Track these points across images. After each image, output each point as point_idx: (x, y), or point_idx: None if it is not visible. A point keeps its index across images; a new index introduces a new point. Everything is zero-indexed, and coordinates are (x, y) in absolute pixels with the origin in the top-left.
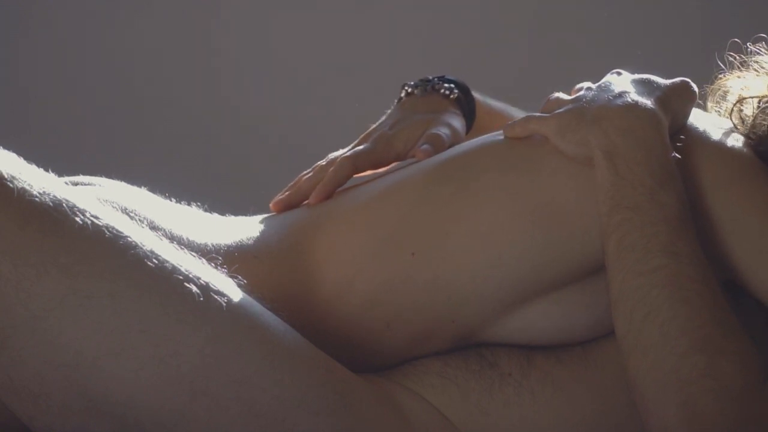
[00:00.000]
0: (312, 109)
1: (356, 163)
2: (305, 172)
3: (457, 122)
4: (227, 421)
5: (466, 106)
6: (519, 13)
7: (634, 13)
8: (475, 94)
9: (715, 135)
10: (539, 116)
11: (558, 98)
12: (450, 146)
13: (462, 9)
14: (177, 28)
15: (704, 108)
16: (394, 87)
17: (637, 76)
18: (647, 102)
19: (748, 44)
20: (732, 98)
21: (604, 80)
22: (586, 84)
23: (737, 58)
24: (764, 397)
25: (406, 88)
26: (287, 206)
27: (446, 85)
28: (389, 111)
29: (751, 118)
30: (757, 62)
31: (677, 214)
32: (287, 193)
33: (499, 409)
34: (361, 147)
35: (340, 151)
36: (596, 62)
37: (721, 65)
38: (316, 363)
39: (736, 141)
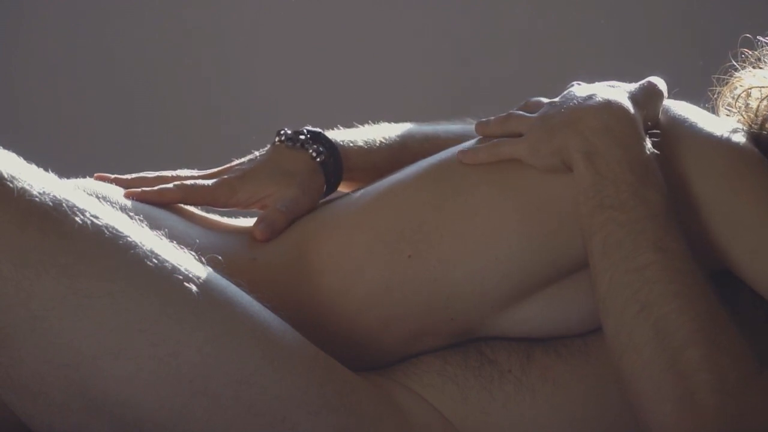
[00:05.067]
0: (314, 110)
1: (187, 196)
2: (150, 172)
3: (307, 189)
4: (227, 420)
5: (332, 168)
6: (517, 16)
7: (631, 17)
8: (408, 125)
9: (712, 128)
10: (509, 141)
11: (520, 116)
12: (291, 218)
13: (460, 11)
14: (179, 27)
15: (714, 110)
16: (392, 87)
17: (599, 82)
18: (619, 99)
19: (758, 38)
20: (740, 91)
21: (566, 91)
22: (543, 99)
23: (751, 54)
24: (759, 389)
25: (281, 135)
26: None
27: (314, 146)
28: (258, 152)
29: (755, 109)
30: None
31: (661, 210)
32: (119, 177)
33: (499, 408)
34: (202, 182)
35: (192, 172)
36: (593, 65)
37: (735, 64)
38: (315, 362)
39: (736, 133)
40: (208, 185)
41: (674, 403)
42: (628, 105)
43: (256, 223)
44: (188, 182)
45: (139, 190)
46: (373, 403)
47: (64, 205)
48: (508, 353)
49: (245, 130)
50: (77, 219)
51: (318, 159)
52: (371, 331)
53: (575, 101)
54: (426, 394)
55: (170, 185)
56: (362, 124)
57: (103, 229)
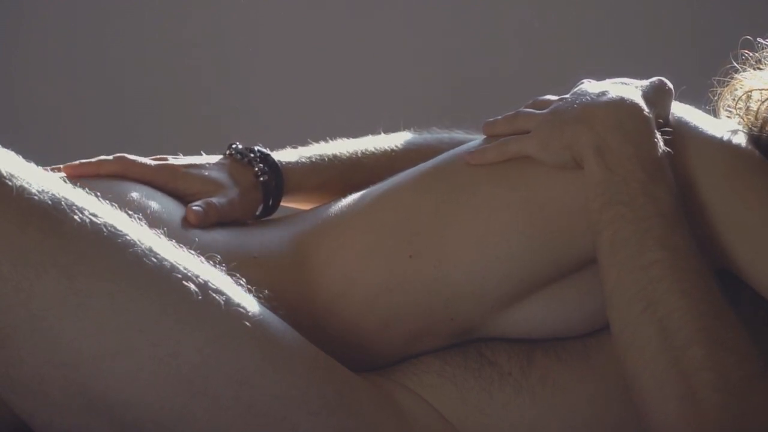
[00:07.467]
0: (314, 109)
1: (126, 170)
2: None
3: (244, 201)
4: (227, 421)
5: (273, 190)
6: (518, 15)
7: (631, 17)
8: (368, 139)
9: (713, 130)
10: (518, 138)
11: (529, 113)
12: (222, 218)
13: (460, 10)
14: (179, 27)
15: (714, 111)
16: (392, 87)
17: (610, 79)
18: (633, 97)
19: (758, 39)
20: (740, 93)
21: (577, 88)
22: (551, 97)
23: (751, 56)
24: (763, 389)
25: (232, 148)
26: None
27: (261, 165)
28: (213, 156)
29: (756, 111)
30: None
31: (670, 208)
32: (57, 166)
33: (498, 409)
34: (145, 162)
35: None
36: (593, 65)
37: (735, 65)
38: (316, 362)
39: (737, 136)
40: (150, 164)
41: (676, 402)
42: (641, 102)
43: (193, 204)
44: (129, 157)
45: (77, 162)
46: (373, 403)
47: (63, 203)
48: (508, 355)
49: (245, 130)
50: (76, 218)
51: (261, 178)
52: (371, 332)
53: (587, 97)
54: (425, 395)
55: (110, 157)
56: (362, 123)
57: (102, 227)
